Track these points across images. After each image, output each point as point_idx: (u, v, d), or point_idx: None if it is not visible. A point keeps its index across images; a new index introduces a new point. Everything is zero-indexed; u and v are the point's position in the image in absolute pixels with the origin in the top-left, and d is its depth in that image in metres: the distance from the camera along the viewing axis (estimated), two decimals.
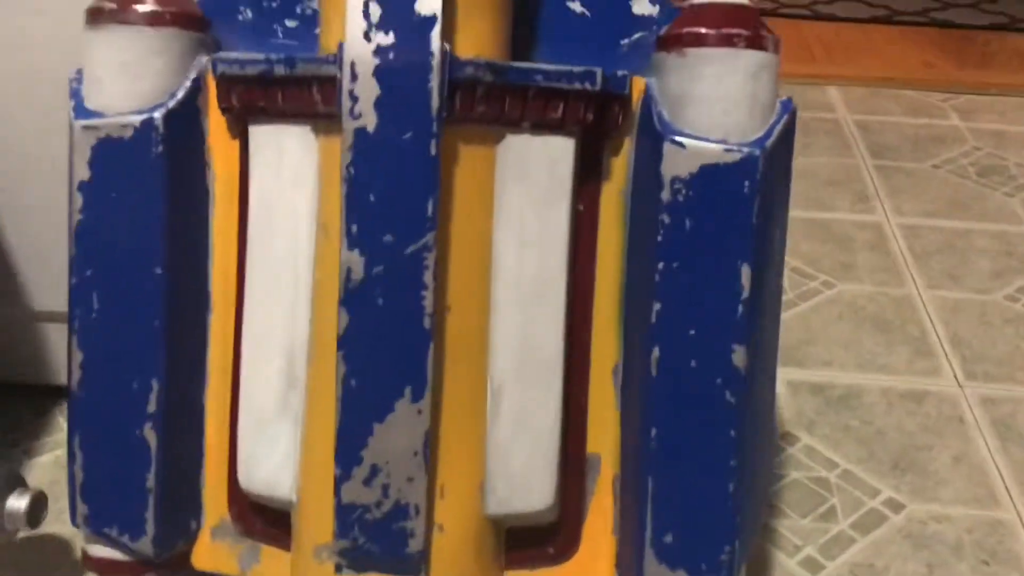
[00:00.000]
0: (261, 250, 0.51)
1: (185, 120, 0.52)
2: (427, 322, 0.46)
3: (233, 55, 0.50)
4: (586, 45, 0.54)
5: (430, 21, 0.44)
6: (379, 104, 0.45)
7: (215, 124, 0.53)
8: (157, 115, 0.50)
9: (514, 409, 0.50)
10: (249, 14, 0.55)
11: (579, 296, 0.53)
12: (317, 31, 0.53)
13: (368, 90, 0.45)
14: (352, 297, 0.46)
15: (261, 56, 0.48)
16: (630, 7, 0.54)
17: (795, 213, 1.09)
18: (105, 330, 0.52)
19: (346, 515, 0.47)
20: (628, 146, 0.52)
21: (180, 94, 0.51)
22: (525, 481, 0.50)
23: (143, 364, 0.52)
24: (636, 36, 0.54)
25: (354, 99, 0.45)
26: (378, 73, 0.45)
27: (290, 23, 0.55)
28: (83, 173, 0.51)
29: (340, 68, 0.45)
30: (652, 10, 0.54)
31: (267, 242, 0.51)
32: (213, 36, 0.54)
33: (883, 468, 0.74)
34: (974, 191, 1.16)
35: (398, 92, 0.45)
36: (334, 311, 0.47)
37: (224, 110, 0.52)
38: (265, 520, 0.54)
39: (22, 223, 0.71)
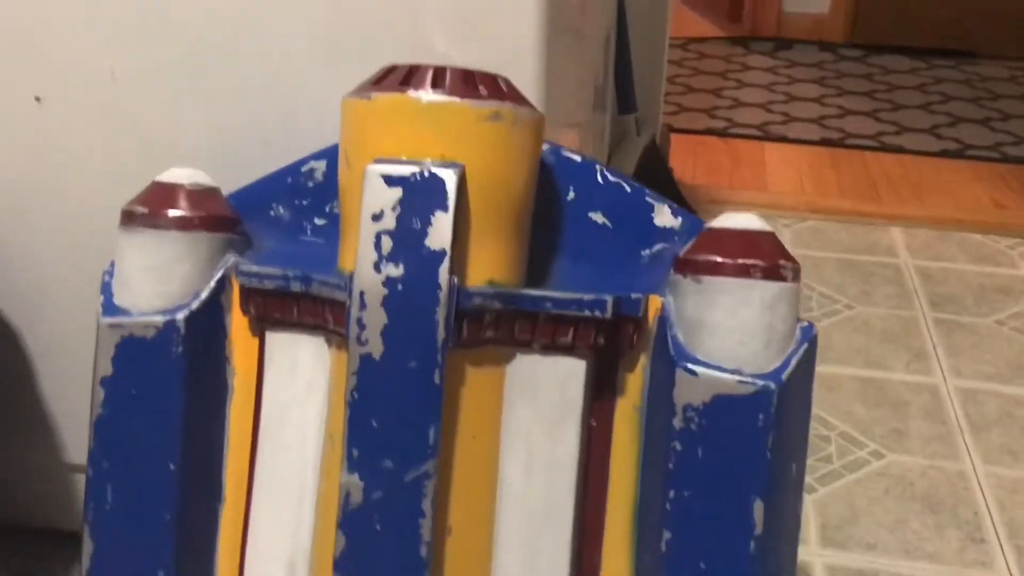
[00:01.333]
0: (270, 455, 0.52)
1: (208, 318, 0.53)
2: (424, 550, 0.46)
3: (254, 268, 0.51)
4: (607, 256, 0.54)
5: (439, 255, 0.45)
6: (386, 333, 0.45)
7: (237, 321, 0.54)
8: (179, 316, 0.51)
9: None
10: (281, 210, 0.57)
11: (591, 514, 0.51)
12: None
13: (376, 319, 0.45)
14: (350, 520, 0.46)
15: (279, 271, 0.49)
16: (652, 219, 0.54)
17: (848, 371, 1.06)
18: (116, 522, 0.52)
19: None
20: (644, 362, 0.52)
21: (204, 294, 0.52)
22: None
23: (151, 556, 0.52)
24: (657, 248, 0.54)
25: (362, 326, 0.45)
26: (386, 303, 0.45)
27: (319, 221, 0.56)
28: (106, 369, 0.52)
29: (350, 295, 0.45)
30: (674, 222, 0.54)
31: (276, 447, 0.51)
32: (244, 232, 0.55)
33: None
34: None
35: (405, 322, 0.45)
36: (328, 541, 0.47)
37: (244, 312, 0.53)
38: None
39: (62, 377, 0.73)
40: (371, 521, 0.46)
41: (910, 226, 1.46)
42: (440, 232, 0.45)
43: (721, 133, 1.87)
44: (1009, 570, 0.80)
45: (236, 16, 0.60)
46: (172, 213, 0.52)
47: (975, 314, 1.20)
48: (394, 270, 0.45)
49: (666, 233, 0.54)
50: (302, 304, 0.49)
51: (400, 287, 0.45)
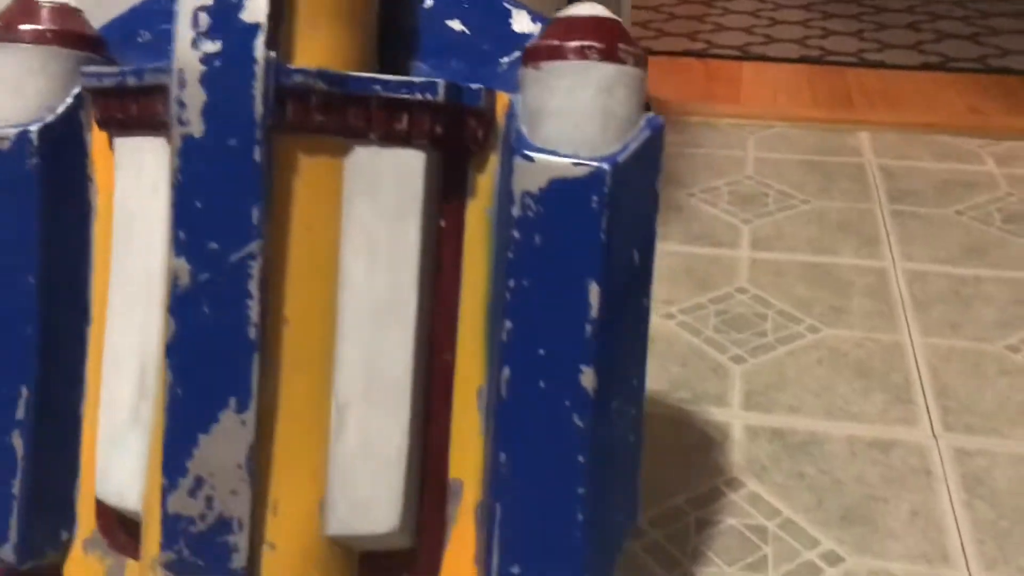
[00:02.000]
0: (120, 261, 0.52)
1: (65, 133, 0.53)
2: (252, 332, 0.46)
3: (94, 68, 0.51)
4: (466, 62, 0.54)
5: (254, 29, 0.45)
6: (205, 110, 0.45)
7: (98, 139, 0.54)
8: (33, 129, 0.52)
9: (359, 429, 0.49)
10: (148, 36, 0.57)
11: (443, 316, 0.51)
12: None
13: (195, 97, 0.45)
14: (178, 304, 0.46)
15: (116, 69, 0.49)
16: (510, 25, 0.54)
17: (793, 257, 1.05)
18: None
19: (171, 527, 0.47)
20: (494, 163, 0.51)
21: (60, 109, 0.53)
22: (368, 502, 0.49)
23: (13, 371, 0.53)
24: (516, 55, 0.53)
25: (182, 106, 0.45)
26: (204, 80, 0.45)
27: None
28: None
29: (170, 76, 0.45)
30: (533, 28, 0.54)
31: (126, 253, 0.52)
32: (110, 57, 0.55)
33: (830, 519, 0.69)
34: (995, 237, 1.10)
35: (223, 99, 0.45)
36: (163, 327, 0.47)
37: (98, 123, 0.53)
38: (128, 533, 0.54)
39: None
40: (199, 304, 0.46)
41: (879, 131, 1.43)
42: (256, 7, 0.45)
43: (699, 54, 1.85)
44: (932, 427, 0.79)
45: None
46: (26, 27, 0.52)
47: (934, 206, 1.18)
48: (211, 46, 0.45)
49: (524, 38, 0.53)
50: (139, 101, 0.49)
51: (217, 63, 0.45)
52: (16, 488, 0.53)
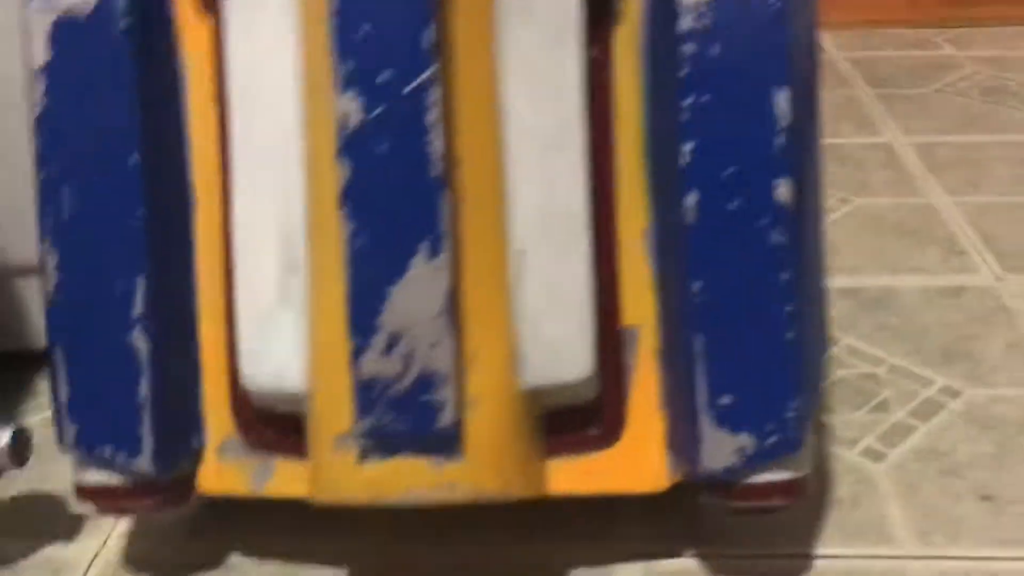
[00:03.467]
0: (244, 132, 0.47)
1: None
2: (438, 167, 0.42)
3: None
4: None
5: None
6: None
7: (183, 8, 0.48)
8: None
9: (540, 272, 0.45)
10: None
11: (599, 154, 0.48)
12: None
13: None
14: (351, 145, 0.41)
15: None
16: None
17: None
18: (80, 228, 0.47)
19: (366, 392, 0.42)
20: None
21: None
22: (560, 349, 0.46)
23: (126, 263, 0.47)
24: None
25: None
26: None
27: None
28: (41, 56, 0.46)
29: None
30: None
31: (250, 119, 0.46)
32: None
33: (933, 359, 0.69)
34: (981, 109, 1.13)
35: None
36: (324, 177, 0.43)
37: None
38: (276, 429, 0.49)
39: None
40: (375, 142, 0.41)
41: (836, 29, 1.45)
42: None
43: None
44: (992, 271, 0.80)
45: None
46: None
47: (913, 87, 1.20)
48: None
49: None
50: None
51: None
52: (144, 391, 0.47)
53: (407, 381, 0.42)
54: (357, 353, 0.42)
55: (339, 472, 0.44)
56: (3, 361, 0.72)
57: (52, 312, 0.47)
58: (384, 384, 0.42)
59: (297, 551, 0.55)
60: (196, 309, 0.50)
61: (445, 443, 0.43)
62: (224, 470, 0.50)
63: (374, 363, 0.42)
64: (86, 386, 0.47)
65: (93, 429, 0.47)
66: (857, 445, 0.61)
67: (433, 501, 0.43)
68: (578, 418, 0.48)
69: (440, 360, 0.42)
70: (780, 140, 0.45)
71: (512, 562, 0.54)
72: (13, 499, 0.60)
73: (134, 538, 0.57)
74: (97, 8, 0.45)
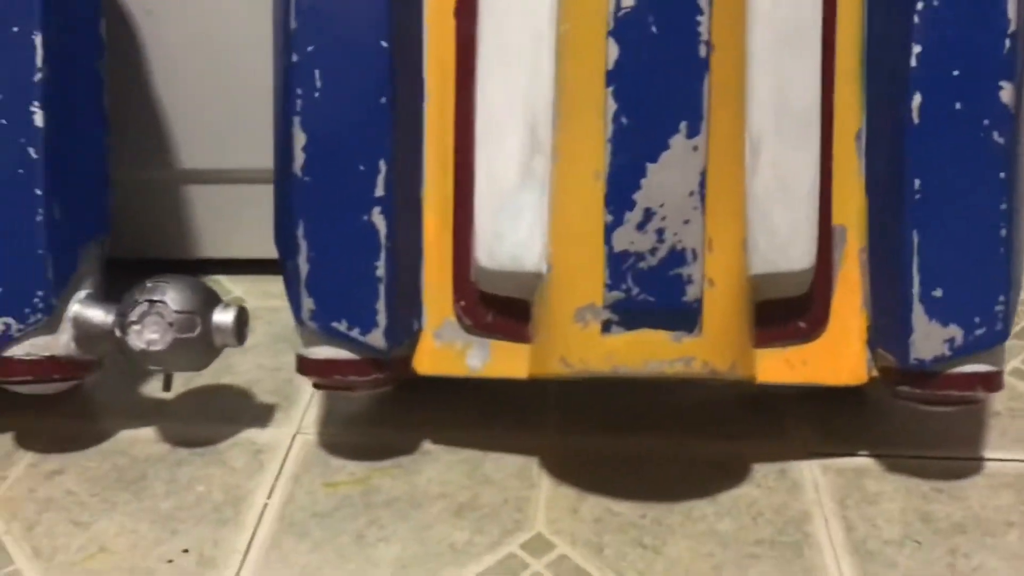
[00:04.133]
0: (493, 22, 0.49)
1: None
2: (703, 50, 0.44)
3: None
4: None
5: None
6: None
7: None
8: None
9: (772, 164, 0.48)
10: None
11: (824, 54, 0.50)
12: None
13: None
14: (622, 27, 0.44)
15: None
16: None
17: None
18: (329, 109, 0.49)
19: (618, 265, 0.45)
20: None
21: None
22: (786, 239, 0.48)
23: (370, 144, 0.49)
24: None
25: None
26: None
27: None
28: None
29: None
30: None
31: (500, 11, 0.49)
32: None
33: None
34: None
35: None
36: (588, 58, 0.45)
37: None
38: (495, 313, 0.51)
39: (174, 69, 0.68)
40: (646, 24, 0.44)
41: None
42: None
43: None
44: None
45: None
46: None
47: None
48: None
49: None
50: None
51: None
52: (381, 269, 0.50)
53: (658, 256, 0.45)
54: (611, 227, 0.45)
55: (580, 343, 0.46)
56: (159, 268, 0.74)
57: (297, 191, 0.49)
58: (636, 258, 0.45)
59: (482, 442, 0.57)
60: (421, 196, 0.52)
61: (688, 318, 0.45)
62: (440, 352, 0.52)
63: (627, 237, 0.44)
64: (326, 263, 0.50)
65: (330, 305, 0.50)
66: (1007, 365, 0.63)
67: (669, 373, 0.46)
68: (786, 310, 0.50)
69: (690, 237, 0.45)
70: (1007, 44, 0.47)
71: (689, 456, 0.56)
72: (205, 388, 0.62)
73: (324, 425, 0.59)
74: None
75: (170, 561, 0.49)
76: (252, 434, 0.59)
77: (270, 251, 0.74)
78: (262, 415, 0.60)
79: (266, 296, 0.73)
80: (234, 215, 0.74)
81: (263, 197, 0.73)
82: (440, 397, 0.60)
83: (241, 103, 0.68)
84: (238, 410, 0.61)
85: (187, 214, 0.74)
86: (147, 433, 0.59)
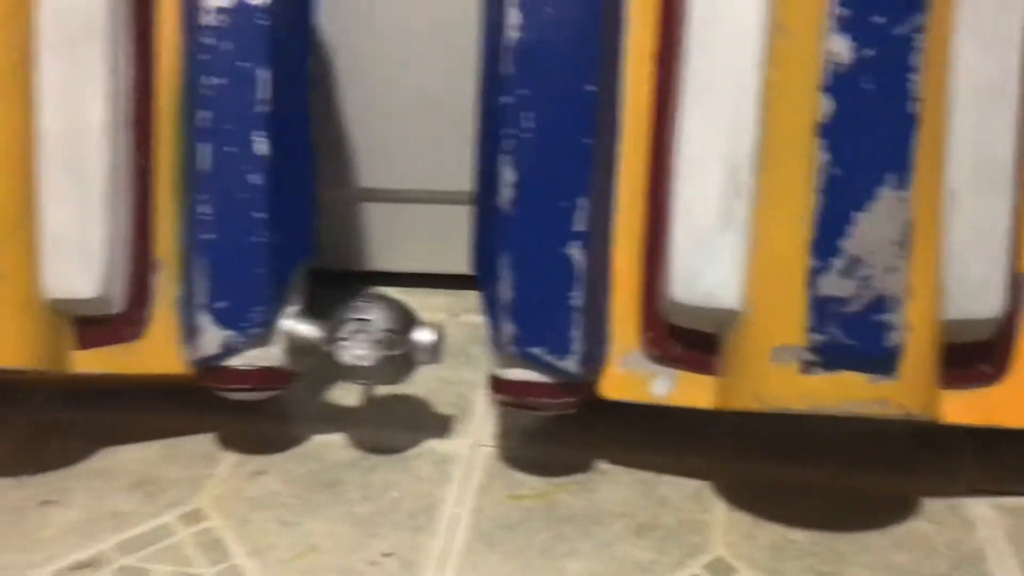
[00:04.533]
0: (701, 61, 0.51)
1: None
2: (914, 106, 0.46)
3: None
4: None
5: None
6: None
7: None
8: None
9: (968, 215, 0.49)
10: None
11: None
12: None
13: None
14: (837, 83, 0.46)
15: None
16: None
17: None
18: (536, 148, 0.52)
19: (821, 309, 0.47)
20: None
21: None
22: (979, 287, 0.49)
23: (573, 182, 0.52)
24: None
25: None
26: None
27: None
28: None
29: None
30: None
31: (708, 52, 0.51)
32: None
33: None
34: None
35: None
36: (798, 109, 0.47)
37: None
38: (683, 343, 0.54)
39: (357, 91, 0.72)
40: (860, 80, 0.46)
41: None
42: None
43: None
44: None
45: None
46: None
47: None
48: None
49: None
50: None
51: None
52: (577, 299, 0.53)
53: (862, 302, 0.46)
54: (815, 272, 0.47)
55: (777, 381, 0.48)
56: (331, 278, 0.78)
57: (504, 224, 0.53)
58: (839, 303, 0.47)
59: (656, 463, 0.60)
60: (612, 230, 0.55)
61: (887, 362, 0.47)
62: (626, 378, 0.55)
63: (832, 283, 0.46)
64: (526, 292, 0.53)
65: (529, 331, 0.53)
66: None
67: (864, 413, 0.48)
68: (971, 353, 0.52)
69: (894, 285, 0.46)
70: None
71: (859, 487, 0.58)
72: (387, 397, 0.66)
73: (502, 438, 0.63)
74: None
75: (374, 563, 0.53)
76: (434, 444, 0.62)
77: (433, 266, 0.78)
78: (441, 425, 0.64)
79: (431, 309, 0.76)
80: (402, 231, 0.77)
81: (428, 215, 0.77)
82: (611, 417, 0.63)
83: (412, 130, 0.72)
84: (419, 420, 0.65)
85: (359, 229, 0.78)
86: (337, 439, 0.63)
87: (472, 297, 0.79)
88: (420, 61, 0.71)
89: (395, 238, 0.78)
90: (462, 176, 0.74)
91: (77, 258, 0.55)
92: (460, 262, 0.79)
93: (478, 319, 0.77)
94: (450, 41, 0.70)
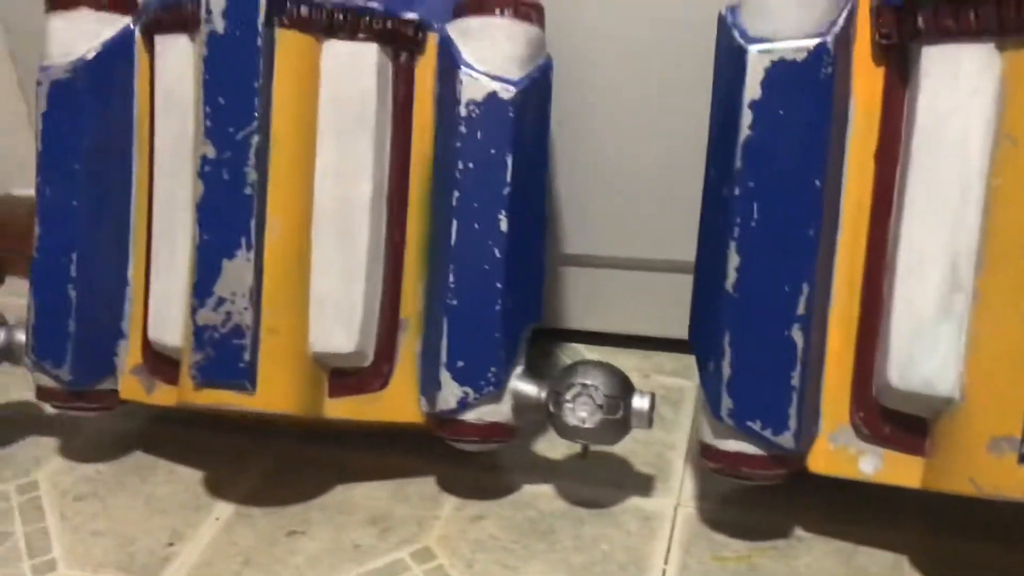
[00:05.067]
0: (925, 162, 0.55)
1: (843, 46, 0.56)
2: None
3: None
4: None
5: None
6: None
7: (860, 52, 0.57)
8: (829, 39, 0.55)
9: None
10: None
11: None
12: None
13: None
14: None
15: None
16: None
17: None
18: (763, 237, 0.56)
19: None
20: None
21: (841, 21, 0.56)
22: None
23: (797, 270, 0.56)
24: None
25: None
26: None
27: None
28: (755, 93, 0.56)
29: None
30: None
31: (933, 154, 0.54)
32: None
33: None
34: None
35: None
36: (1021, 213, 0.50)
37: (883, 36, 0.56)
38: (893, 424, 0.57)
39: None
40: None
41: None
42: None
43: None
44: None
45: None
46: None
47: None
48: None
49: None
50: (977, 5, 0.52)
51: None
52: (795, 379, 0.56)
53: None
54: None
55: (994, 470, 0.51)
56: (542, 335, 0.84)
57: (727, 305, 0.57)
58: None
59: (853, 534, 0.63)
60: (830, 313, 0.58)
61: None
62: (835, 454, 0.58)
63: None
64: (747, 369, 0.57)
65: (748, 405, 0.57)
66: None
67: None
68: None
69: None
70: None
71: None
72: (591, 454, 0.71)
73: (702, 500, 0.67)
74: (809, 57, 0.55)
75: None
76: (639, 501, 0.67)
77: (626, 327, 0.83)
78: (644, 484, 0.68)
79: (623, 369, 0.81)
80: (598, 294, 0.83)
81: (623, 280, 0.82)
82: (805, 485, 0.66)
83: (614, 200, 0.78)
84: (622, 477, 0.69)
85: (558, 290, 0.84)
86: (547, 489, 0.68)
87: (661, 358, 0.84)
88: (624, 139, 0.76)
89: (591, 300, 0.83)
90: (659, 245, 0.79)
91: (339, 317, 0.63)
92: (651, 325, 0.84)
93: (667, 380, 0.81)
94: (654, 119, 0.75)
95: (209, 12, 0.59)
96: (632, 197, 0.78)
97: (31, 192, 0.96)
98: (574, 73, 0.74)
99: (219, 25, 0.59)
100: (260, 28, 0.58)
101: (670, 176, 0.76)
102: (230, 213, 0.59)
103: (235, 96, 0.58)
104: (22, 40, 0.87)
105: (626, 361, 0.83)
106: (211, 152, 0.59)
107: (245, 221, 0.59)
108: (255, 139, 0.59)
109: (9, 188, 0.96)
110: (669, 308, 0.80)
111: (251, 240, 0.59)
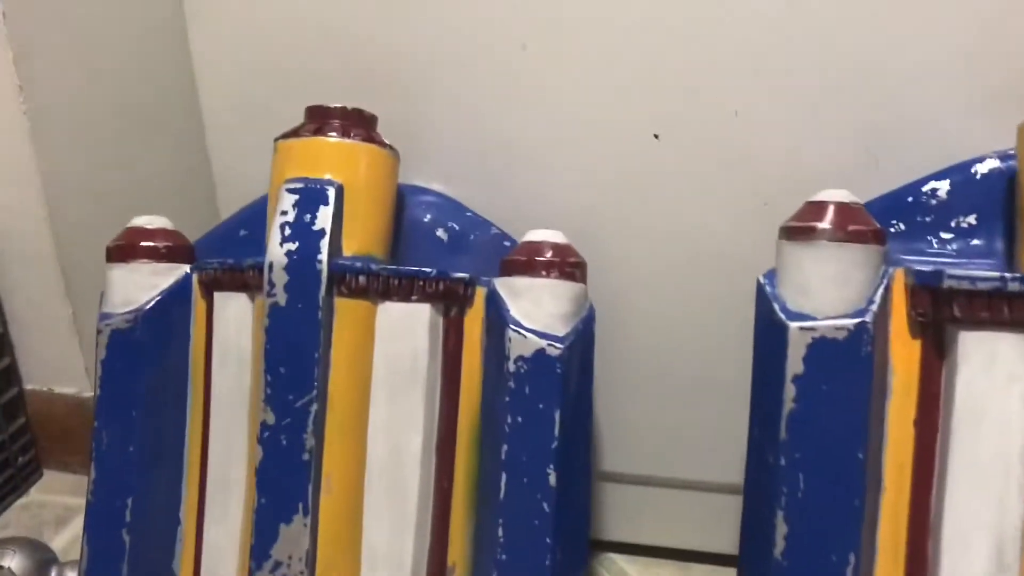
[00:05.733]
0: (968, 443, 0.56)
1: (881, 321, 0.59)
2: None
3: (963, 272, 0.56)
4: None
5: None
6: None
7: (897, 326, 0.60)
8: (868, 319, 0.57)
9: None
10: (902, 227, 0.63)
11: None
12: (973, 242, 0.60)
13: None
14: None
15: (996, 274, 0.55)
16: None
17: None
18: (809, 506, 0.58)
19: None
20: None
21: (878, 299, 0.58)
22: None
23: (843, 539, 0.58)
24: None
25: None
26: None
27: (944, 235, 0.62)
28: (797, 368, 0.58)
29: None
30: None
31: (975, 435, 0.56)
32: (892, 248, 0.61)
33: None
34: None
35: None
36: None
37: (919, 315, 0.58)
38: None
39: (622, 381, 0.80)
40: None
41: None
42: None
43: None
44: None
45: (861, 57, 0.67)
46: (851, 228, 0.58)
47: None
48: None
49: None
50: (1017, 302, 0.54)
51: None
52: None
53: None
54: None
55: None
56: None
57: (774, 570, 0.58)
58: None
59: None
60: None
61: None
62: None
63: None
64: None
65: None
66: None
67: None
68: None
69: None
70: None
71: None
72: None
73: None
74: (850, 336, 0.57)
75: None
76: None
77: (661, 540, 0.83)
78: None
79: None
80: (634, 507, 0.84)
81: (661, 495, 0.84)
82: None
83: (654, 418, 0.80)
84: None
85: (594, 502, 0.85)
86: None
87: (697, 571, 0.85)
88: (662, 363, 0.78)
89: (628, 512, 0.84)
90: (698, 467, 0.81)
91: (389, 566, 0.64)
92: (689, 539, 0.85)
93: None
94: (691, 352, 0.77)
95: (272, 285, 0.62)
96: (669, 419, 0.80)
97: (72, 390, 0.99)
98: (614, 296, 0.76)
99: (281, 299, 0.62)
100: (320, 301, 0.61)
101: (706, 400, 0.78)
102: (288, 479, 0.60)
103: (295, 366, 0.61)
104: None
105: (661, 571, 0.84)
106: (271, 419, 0.61)
107: (302, 487, 0.60)
108: (314, 407, 0.61)
109: (52, 385, 0.98)
110: (708, 523, 0.82)
111: (307, 505, 0.61)
